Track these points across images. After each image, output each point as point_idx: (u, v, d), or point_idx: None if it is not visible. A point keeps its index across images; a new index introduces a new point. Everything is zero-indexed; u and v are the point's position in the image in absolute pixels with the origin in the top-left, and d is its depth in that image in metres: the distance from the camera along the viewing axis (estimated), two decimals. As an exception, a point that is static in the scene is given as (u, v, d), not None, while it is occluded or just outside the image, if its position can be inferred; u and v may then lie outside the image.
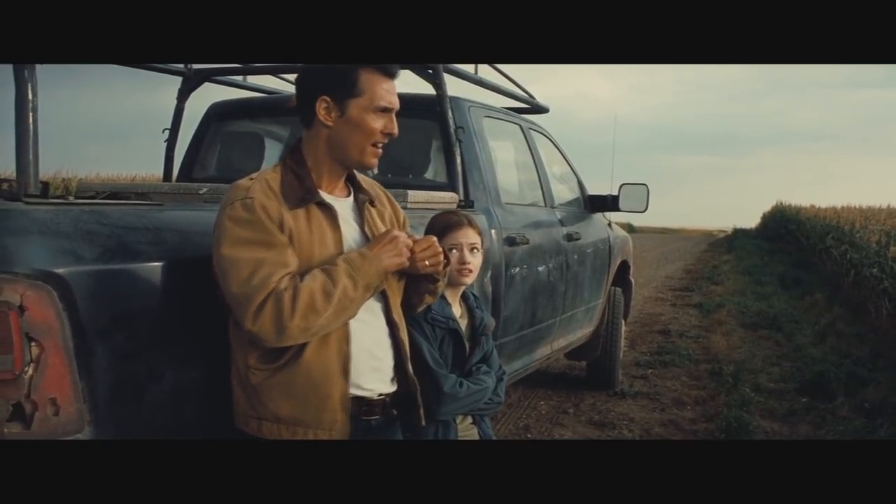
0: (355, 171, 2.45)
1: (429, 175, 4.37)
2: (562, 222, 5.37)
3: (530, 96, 5.78)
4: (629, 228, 22.44)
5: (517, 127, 5.26)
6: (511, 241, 4.34)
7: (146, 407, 2.10)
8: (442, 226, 2.86)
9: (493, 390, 2.88)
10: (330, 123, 2.29)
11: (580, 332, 6.02)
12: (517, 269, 4.43)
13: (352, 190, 2.45)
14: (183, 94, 4.78)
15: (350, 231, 2.35)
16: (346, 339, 2.25)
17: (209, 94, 5.05)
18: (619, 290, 6.77)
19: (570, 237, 5.37)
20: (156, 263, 2.17)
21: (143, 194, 3.39)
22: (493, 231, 4.13)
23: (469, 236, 2.88)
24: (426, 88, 4.08)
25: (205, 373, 2.28)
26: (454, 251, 2.81)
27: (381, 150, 2.36)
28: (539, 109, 6.00)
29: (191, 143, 4.91)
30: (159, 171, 5.01)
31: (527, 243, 4.56)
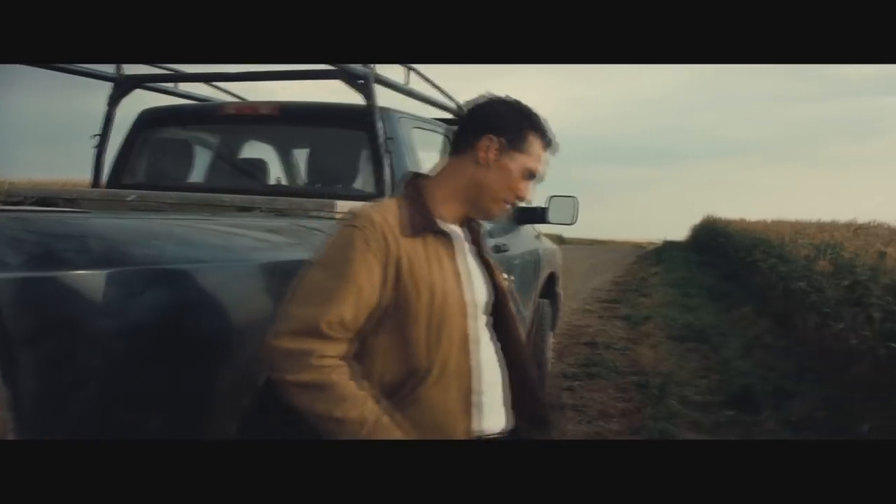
0: None
1: (357, 185, 4.40)
2: (490, 234, 5.41)
3: (461, 107, 5.83)
4: (559, 240, 22.54)
5: (447, 138, 5.30)
6: (439, 252, 4.36)
7: (72, 417, 2.10)
8: None
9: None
10: (486, 162, 2.24)
11: (507, 343, 6.03)
12: (445, 280, 4.45)
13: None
14: (113, 100, 4.74)
15: (466, 259, 2.30)
16: (466, 373, 2.17)
17: (140, 100, 5.02)
18: (546, 301, 6.82)
19: (497, 249, 5.42)
20: (82, 271, 2.16)
21: (71, 200, 3.36)
22: (421, 242, 4.14)
23: None
24: (355, 98, 4.13)
25: (134, 382, 2.24)
26: None
27: (508, 209, 2.35)
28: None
29: (120, 149, 4.85)
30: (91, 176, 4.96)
31: (455, 254, 4.57)
